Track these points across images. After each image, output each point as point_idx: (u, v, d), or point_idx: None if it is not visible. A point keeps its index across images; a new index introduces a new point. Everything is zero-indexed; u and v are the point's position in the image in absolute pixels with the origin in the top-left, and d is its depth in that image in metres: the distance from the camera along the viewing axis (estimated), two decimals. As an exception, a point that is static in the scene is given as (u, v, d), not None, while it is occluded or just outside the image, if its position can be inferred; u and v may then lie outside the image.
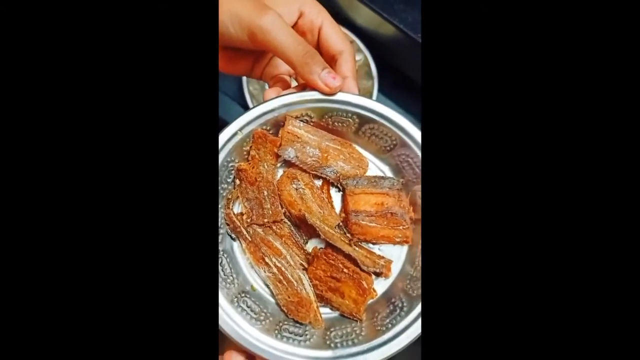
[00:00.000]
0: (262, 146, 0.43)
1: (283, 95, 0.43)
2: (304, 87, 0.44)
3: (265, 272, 0.41)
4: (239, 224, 0.42)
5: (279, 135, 0.43)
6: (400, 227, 0.43)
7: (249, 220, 0.42)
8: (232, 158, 0.43)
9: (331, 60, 0.45)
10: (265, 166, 0.43)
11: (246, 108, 0.78)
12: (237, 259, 0.43)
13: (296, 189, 0.43)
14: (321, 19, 0.45)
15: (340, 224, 0.43)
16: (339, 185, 0.45)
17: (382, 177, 0.45)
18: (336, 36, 0.45)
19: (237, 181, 0.43)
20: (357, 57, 0.81)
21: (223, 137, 0.41)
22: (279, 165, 0.45)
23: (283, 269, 0.41)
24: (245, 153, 0.44)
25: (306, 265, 0.42)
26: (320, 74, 0.41)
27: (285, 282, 0.41)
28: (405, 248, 0.44)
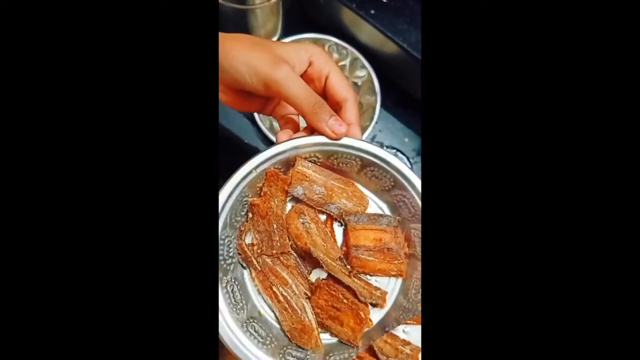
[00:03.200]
0: (273, 184, 0.47)
1: (294, 138, 0.47)
2: (311, 130, 0.48)
3: (272, 299, 0.46)
4: (250, 254, 0.46)
5: (289, 174, 0.48)
6: (396, 262, 0.47)
7: (259, 251, 0.47)
8: (247, 193, 0.47)
9: (336, 106, 0.49)
10: (276, 202, 0.47)
11: (249, 118, 0.83)
12: (247, 287, 0.47)
13: (303, 223, 0.48)
14: (328, 68, 0.49)
15: (342, 256, 0.48)
16: (341, 220, 0.49)
17: (381, 215, 0.49)
18: (342, 85, 0.49)
19: (250, 215, 0.47)
20: (361, 74, 0.85)
21: (239, 174, 0.45)
22: (287, 200, 0.49)
23: (289, 297, 0.46)
24: (258, 189, 0.48)
25: (309, 295, 0.46)
26: (327, 122, 0.45)
27: (290, 310, 0.45)
28: (399, 281, 0.48)
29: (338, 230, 0.50)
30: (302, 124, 0.51)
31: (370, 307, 0.46)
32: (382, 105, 0.83)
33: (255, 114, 0.81)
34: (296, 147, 0.47)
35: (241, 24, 0.77)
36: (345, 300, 0.45)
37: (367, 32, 0.79)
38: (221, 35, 0.47)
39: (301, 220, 0.48)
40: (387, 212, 0.50)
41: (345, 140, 0.47)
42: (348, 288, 0.45)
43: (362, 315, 0.45)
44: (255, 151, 0.82)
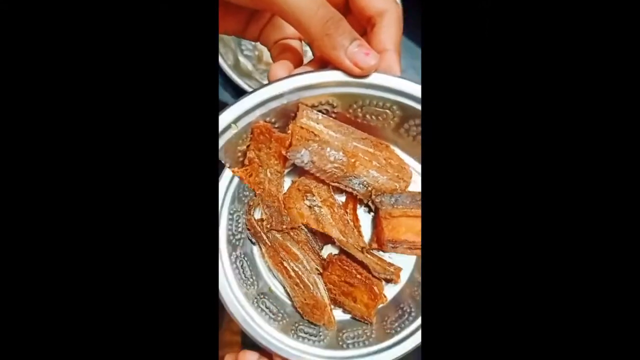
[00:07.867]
0: (264, 145, 0.35)
1: (295, 74, 0.33)
2: (324, 62, 0.34)
3: (283, 275, 0.44)
4: (259, 229, 0.43)
5: (288, 131, 0.35)
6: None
7: (268, 226, 0.43)
8: (224, 161, 0.35)
9: (367, 24, 0.35)
10: (268, 174, 0.36)
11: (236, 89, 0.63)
12: (257, 262, 0.44)
13: (309, 207, 0.39)
14: None
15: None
16: (370, 203, 0.39)
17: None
18: None
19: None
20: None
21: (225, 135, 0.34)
22: (286, 172, 0.39)
23: (300, 273, 0.44)
24: (240, 155, 0.35)
25: (321, 270, 0.44)
26: (347, 49, 0.31)
27: (301, 286, 0.44)
28: (414, 257, 0.45)
29: (365, 218, 0.40)
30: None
31: (384, 283, 0.45)
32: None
33: (227, 69, 0.63)
34: (299, 89, 0.33)
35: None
36: (358, 276, 0.44)
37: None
38: None
39: (307, 202, 0.39)
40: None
41: (375, 78, 0.33)
42: (361, 264, 0.43)
43: (376, 291, 0.44)
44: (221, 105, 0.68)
